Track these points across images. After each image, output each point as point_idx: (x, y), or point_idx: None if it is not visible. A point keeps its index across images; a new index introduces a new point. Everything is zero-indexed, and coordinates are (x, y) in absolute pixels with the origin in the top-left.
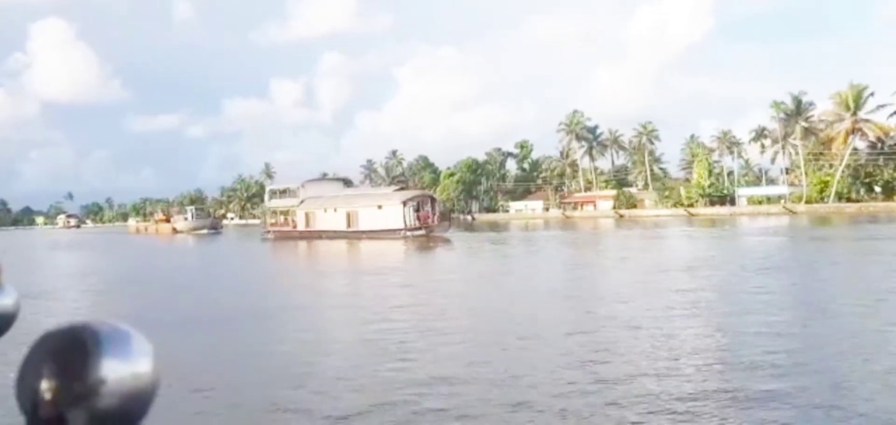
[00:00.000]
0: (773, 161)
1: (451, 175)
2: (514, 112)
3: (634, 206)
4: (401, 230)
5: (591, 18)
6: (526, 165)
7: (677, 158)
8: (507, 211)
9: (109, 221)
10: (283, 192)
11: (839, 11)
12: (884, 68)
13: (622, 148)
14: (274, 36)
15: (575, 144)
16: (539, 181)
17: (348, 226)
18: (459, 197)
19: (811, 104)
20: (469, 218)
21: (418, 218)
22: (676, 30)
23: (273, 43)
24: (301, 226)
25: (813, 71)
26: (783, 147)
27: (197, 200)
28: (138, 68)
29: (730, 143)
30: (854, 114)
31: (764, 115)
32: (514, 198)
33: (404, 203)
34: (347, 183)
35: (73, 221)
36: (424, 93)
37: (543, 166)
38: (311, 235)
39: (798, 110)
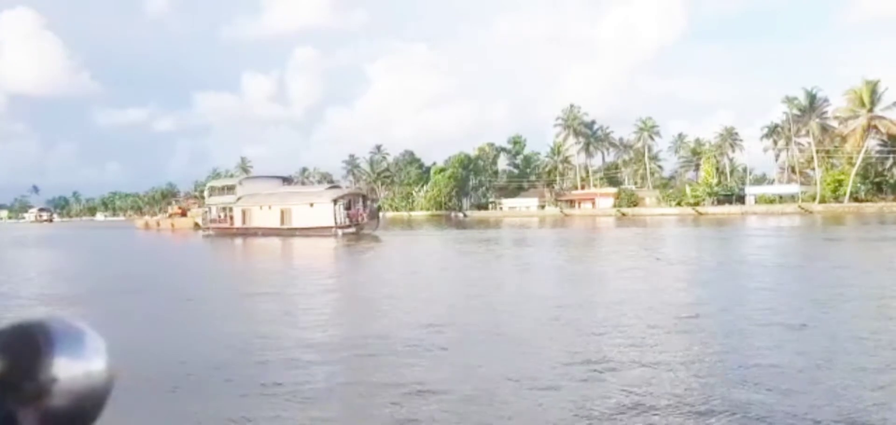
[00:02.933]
0: (776, 158)
1: (442, 171)
2: (484, 110)
3: (636, 204)
4: (332, 228)
5: (563, 18)
6: (518, 162)
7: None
8: (500, 208)
9: (76, 216)
10: (223, 190)
11: (806, 15)
12: (852, 69)
13: (613, 145)
14: (247, 30)
15: (572, 140)
16: (532, 178)
17: (282, 223)
18: (451, 193)
19: (825, 100)
20: (461, 215)
21: (349, 216)
22: (648, 31)
23: (246, 37)
24: (238, 223)
25: (782, 72)
26: (787, 145)
27: (169, 194)
28: (108, 61)
29: (733, 141)
30: (870, 110)
31: (730, 117)
32: (507, 195)
33: (335, 201)
34: (287, 180)
35: (45, 215)
36: (396, 89)
37: (533, 162)
38: (248, 232)
39: (812, 106)
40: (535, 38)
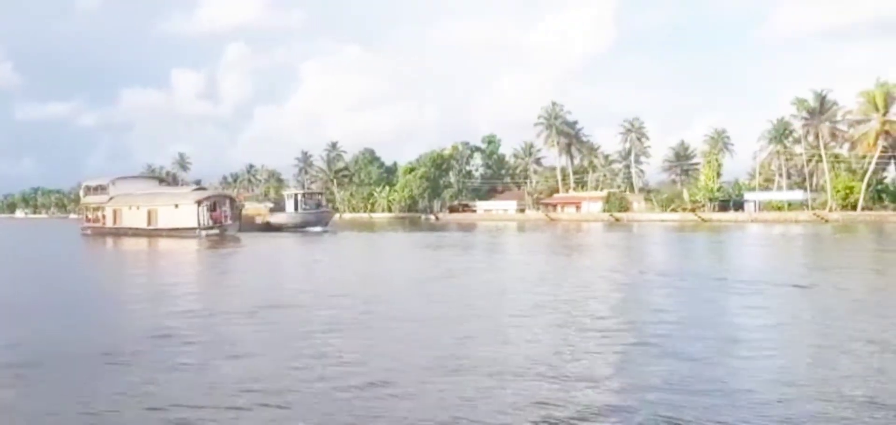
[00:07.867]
0: (770, 165)
1: (412, 170)
2: (415, 113)
3: (627, 209)
4: (195, 229)
5: (496, 25)
6: (491, 162)
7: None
8: (474, 210)
9: None
10: (96, 189)
11: (725, 30)
12: (768, 83)
13: (584, 146)
14: (181, 26)
15: (553, 139)
16: (507, 179)
17: (149, 223)
18: (423, 194)
19: (834, 103)
20: (432, 218)
21: (212, 218)
22: (578, 40)
23: (179, 33)
24: (109, 223)
25: (702, 85)
26: (779, 153)
27: None
28: (35, 54)
29: (724, 144)
30: (884, 114)
31: (654, 126)
32: (481, 197)
33: (199, 202)
34: (162, 180)
35: None
36: (328, 90)
37: (506, 163)
38: (119, 232)
39: (822, 108)
40: (468, 44)
